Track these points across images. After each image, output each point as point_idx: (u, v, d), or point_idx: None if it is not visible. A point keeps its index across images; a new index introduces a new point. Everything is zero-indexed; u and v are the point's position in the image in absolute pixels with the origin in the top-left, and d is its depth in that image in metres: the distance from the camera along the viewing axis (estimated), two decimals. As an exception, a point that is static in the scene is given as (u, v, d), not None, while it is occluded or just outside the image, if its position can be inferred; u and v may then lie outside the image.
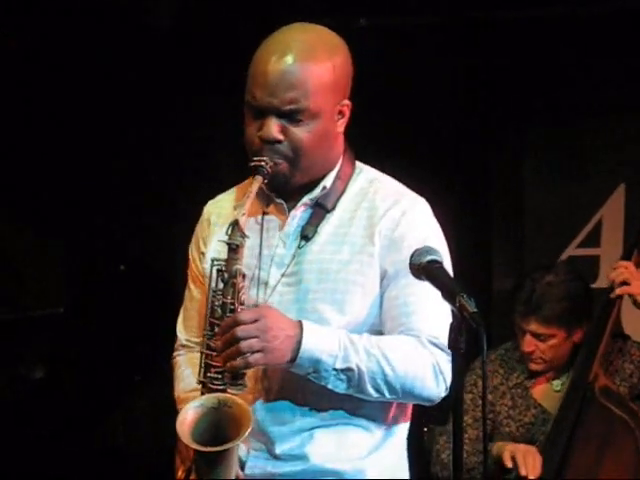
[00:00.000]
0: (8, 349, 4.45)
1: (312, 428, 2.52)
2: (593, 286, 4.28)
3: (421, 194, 2.62)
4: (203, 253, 2.65)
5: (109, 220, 4.80)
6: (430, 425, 4.06)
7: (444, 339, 2.26)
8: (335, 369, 2.40)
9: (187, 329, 2.73)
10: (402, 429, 2.61)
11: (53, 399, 4.50)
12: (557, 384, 3.90)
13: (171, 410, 2.68)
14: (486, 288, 4.74)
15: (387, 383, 2.43)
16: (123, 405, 4.82)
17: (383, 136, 4.64)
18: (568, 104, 4.72)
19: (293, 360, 2.39)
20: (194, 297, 2.70)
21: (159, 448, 4.60)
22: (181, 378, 2.70)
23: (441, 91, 4.72)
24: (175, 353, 2.76)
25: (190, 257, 2.72)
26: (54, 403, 4.50)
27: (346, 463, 2.52)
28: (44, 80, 4.67)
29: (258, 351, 2.35)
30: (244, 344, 2.34)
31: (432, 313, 2.45)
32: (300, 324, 2.40)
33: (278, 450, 2.51)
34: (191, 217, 2.79)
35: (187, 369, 2.69)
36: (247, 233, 2.43)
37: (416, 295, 2.46)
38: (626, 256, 3.82)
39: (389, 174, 2.65)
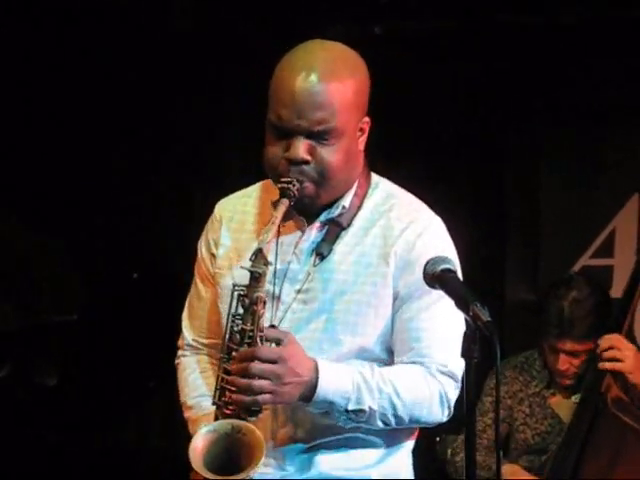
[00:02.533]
0: (22, 355, 4.46)
1: (321, 443, 2.53)
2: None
3: (433, 203, 2.61)
4: (214, 255, 2.63)
5: (123, 227, 4.80)
6: (442, 435, 4.07)
7: (454, 365, 2.34)
8: (347, 410, 2.43)
9: (194, 328, 2.70)
10: (409, 442, 2.63)
11: (67, 405, 4.50)
12: (577, 397, 3.90)
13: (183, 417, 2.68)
14: (499, 297, 4.73)
15: (396, 417, 2.47)
16: (137, 411, 4.82)
17: (389, 149, 4.64)
18: (583, 115, 4.71)
19: (307, 401, 2.41)
20: (202, 296, 2.68)
21: (172, 455, 4.63)
22: (187, 382, 2.67)
23: (453, 97, 4.72)
24: (180, 352, 2.73)
25: (199, 255, 2.69)
26: (68, 409, 4.51)
27: (352, 472, 2.53)
28: (57, 81, 4.68)
29: (268, 392, 2.36)
30: (256, 383, 2.35)
31: (442, 339, 2.46)
32: (316, 366, 2.41)
33: (288, 464, 2.53)
34: (203, 225, 2.74)
35: (193, 373, 2.67)
36: (251, 256, 2.41)
37: (428, 320, 2.47)
38: (615, 326, 3.72)
39: (398, 182, 2.64)
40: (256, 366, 2.35)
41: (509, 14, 4.69)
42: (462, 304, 2.19)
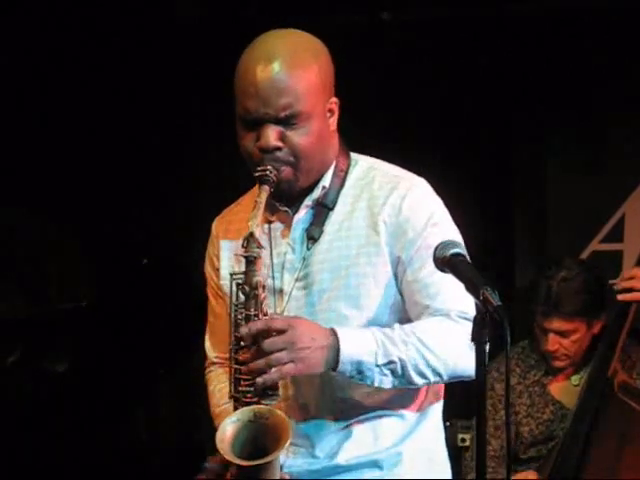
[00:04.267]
0: (32, 343, 4.47)
1: (348, 425, 2.54)
2: (616, 281, 4.29)
3: (440, 193, 2.62)
4: (218, 269, 2.67)
5: (131, 213, 4.81)
6: (452, 419, 4.07)
7: (472, 310, 2.27)
8: (378, 365, 2.42)
9: (214, 346, 2.75)
10: (436, 411, 2.64)
11: (76, 393, 4.51)
12: (575, 379, 3.91)
13: (195, 404, 2.70)
14: (508, 284, 4.74)
15: (430, 367, 2.46)
16: (147, 398, 4.83)
17: (399, 134, 4.65)
18: (590, 99, 4.70)
19: (334, 368, 2.41)
20: (217, 313, 2.72)
21: (182, 442, 4.64)
22: (213, 394, 2.72)
23: (461, 87, 4.72)
24: (207, 371, 2.78)
25: (207, 275, 2.74)
26: (77, 397, 4.51)
27: (382, 452, 2.54)
28: (63, 78, 4.69)
29: (287, 362, 2.36)
30: (273, 357, 2.36)
31: (454, 289, 2.42)
32: (333, 331, 2.41)
33: (318, 451, 2.55)
34: (213, 210, 2.80)
35: (218, 384, 2.70)
36: (243, 242, 2.43)
37: (434, 275, 2.45)
38: (613, 342, 3.72)
39: (407, 168, 2.64)
40: (267, 342, 2.36)
41: (515, 3, 4.70)
42: (472, 288, 2.19)
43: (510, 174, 4.90)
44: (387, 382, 2.45)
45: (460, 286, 2.33)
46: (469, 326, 2.39)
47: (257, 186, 2.55)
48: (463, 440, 4.13)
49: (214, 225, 2.74)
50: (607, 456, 3.65)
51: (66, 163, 4.73)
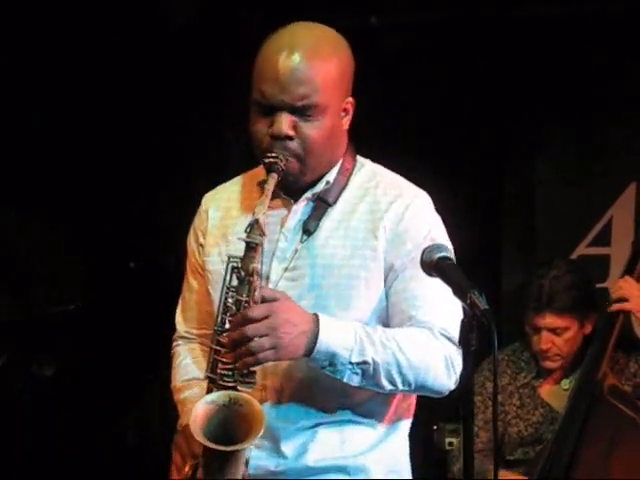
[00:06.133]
0: (20, 346, 4.46)
1: (316, 425, 2.53)
2: (604, 285, 4.32)
3: (431, 193, 2.63)
4: (202, 245, 2.66)
5: (120, 217, 4.80)
6: (439, 423, 4.07)
7: (454, 331, 2.30)
8: (351, 362, 2.41)
9: (186, 320, 2.73)
10: (405, 425, 2.63)
11: (65, 396, 4.51)
12: (565, 383, 3.93)
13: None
14: (495, 287, 4.74)
15: (401, 375, 2.45)
16: (135, 403, 4.83)
17: (392, 135, 4.65)
18: (579, 103, 4.71)
19: (309, 354, 2.40)
20: (193, 288, 2.70)
21: (171, 446, 4.63)
22: (179, 367, 2.70)
23: (452, 89, 4.72)
24: (174, 344, 2.76)
25: (189, 248, 2.72)
26: (66, 400, 4.51)
27: (349, 459, 2.53)
28: (54, 78, 4.69)
29: (269, 349, 2.36)
30: (254, 343, 2.35)
31: (441, 305, 2.46)
32: (316, 317, 2.41)
33: (283, 447, 2.53)
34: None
35: (186, 358, 2.69)
36: (247, 227, 2.43)
37: (424, 288, 2.47)
38: (628, 270, 3.82)
39: (398, 172, 2.66)
40: (250, 327, 2.35)
41: (508, 7, 4.71)
42: (459, 292, 2.19)
43: (498, 178, 4.91)
44: (356, 380, 2.44)
45: (447, 304, 2.37)
46: (449, 346, 2.46)
47: (257, 169, 2.57)
48: (450, 444, 4.14)
49: (204, 200, 2.72)
50: (596, 458, 3.67)
51: (55, 166, 4.73)
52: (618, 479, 3.65)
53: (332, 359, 2.41)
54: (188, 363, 2.68)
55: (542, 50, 4.66)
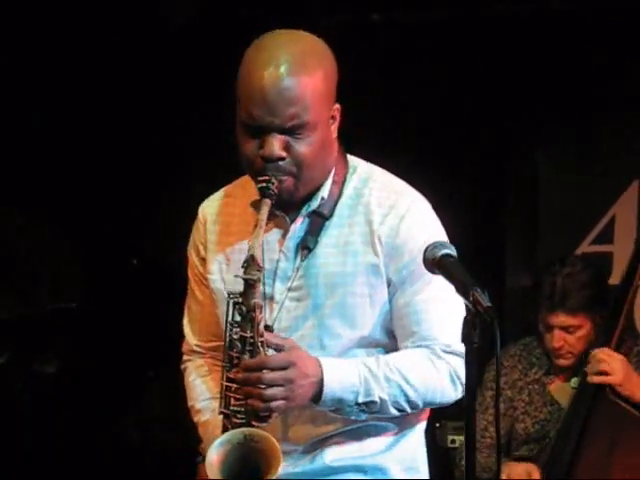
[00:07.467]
0: (21, 344, 4.46)
1: (333, 434, 2.52)
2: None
3: (433, 193, 2.60)
4: (204, 259, 2.61)
5: (122, 214, 4.80)
6: (442, 421, 4.07)
7: (457, 342, 2.25)
8: (358, 404, 2.42)
9: (195, 333, 2.69)
10: (421, 424, 2.62)
11: (66, 394, 4.50)
12: (575, 381, 3.89)
13: (184, 406, 2.69)
14: (499, 285, 4.74)
15: (409, 402, 2.46)
16: (136, 401, 4.82)
17: (392, 134, 4.65)
18: (579, 103, 4.71)
19: (316, 402, 2.40)
20: (199, 300, 2.67)
21: (172, 444, 4.63)
22: (192, 387, 2.67)
23: (452, 89, 4.72)
24: (185, 358, 2.73)
25: (190, 259, 2.67)
26: (67, 398, 4.51)
27: (367, 458, 2.53)
28: (54, 78, 4.69)
29: (281, 399, 2.35)
30: (269, 391, 2.34)
31: (442, 318, 2.46)
32: (319, 364, 2.40)
33: (301, 454, 2.53)
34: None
35: (197, 378, 2.67)
36: (243, 263, 2.39)
37: (425, 302, 2.46)
38: (607, 339, 3.75)
39: (398, 172, 2.62)
40: (267, 375, 2.34)
41: (508, 7, 4.71)
42: (462, 289, 2.18)
43: (502, 176, 4.90)
44: (364, 417, 2.46)
45: (450, 317, 2.36)
46: (453, 360, 2.45)
47: (244, 178, 2.53)
48: (453, 442, 4.14)
49: (201, 210, 2.66)
50: (598, 456, 3.66)
51: (55, 166, 4.72)
52: (619, 478, 3.64)
53: (339, 404, 2.42)
54: (199, 383, 2.65)
55: (542, 50, 4.65)
